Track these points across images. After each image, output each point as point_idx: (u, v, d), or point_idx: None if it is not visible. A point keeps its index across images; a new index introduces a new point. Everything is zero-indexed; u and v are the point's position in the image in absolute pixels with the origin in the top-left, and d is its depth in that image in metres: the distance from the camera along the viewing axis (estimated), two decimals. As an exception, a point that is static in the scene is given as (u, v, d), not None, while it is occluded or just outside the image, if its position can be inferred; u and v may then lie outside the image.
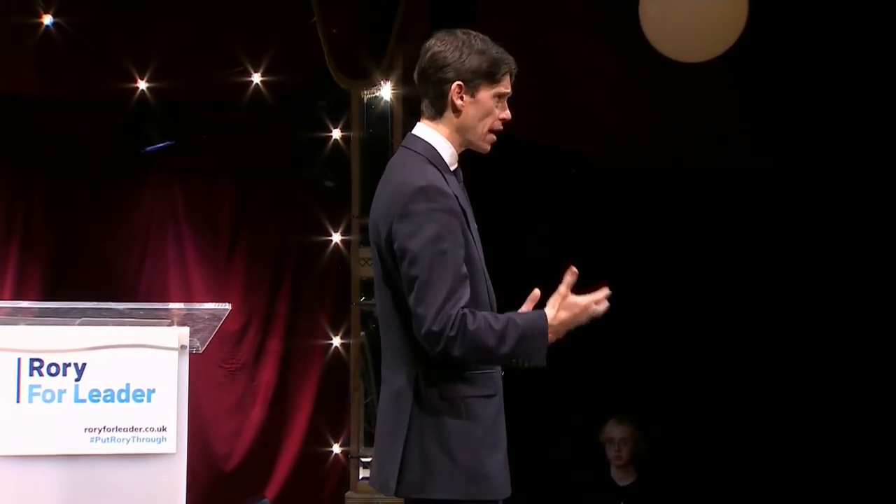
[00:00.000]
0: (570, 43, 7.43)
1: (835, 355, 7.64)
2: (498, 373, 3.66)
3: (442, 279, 3.50)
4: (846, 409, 7.62)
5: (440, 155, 3.70)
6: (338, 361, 7.94)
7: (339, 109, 7.66)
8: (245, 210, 8.14)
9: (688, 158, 7.74)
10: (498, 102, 3.70)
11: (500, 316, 3.55)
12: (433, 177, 3.61)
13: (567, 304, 3.60)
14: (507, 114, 3.72)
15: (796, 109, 7.53)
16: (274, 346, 8.07)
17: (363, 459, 7.31)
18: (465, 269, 3.54)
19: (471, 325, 3.48)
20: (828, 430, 7.62)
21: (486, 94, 3.68)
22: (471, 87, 3.67)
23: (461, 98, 3.68)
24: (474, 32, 3.74)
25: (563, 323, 3.60)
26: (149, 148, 7.82)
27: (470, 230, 3.64)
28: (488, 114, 3.69)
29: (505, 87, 3.70)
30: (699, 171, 7.78)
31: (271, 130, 7.94)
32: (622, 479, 7.15)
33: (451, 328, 3.46)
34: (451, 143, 3.72)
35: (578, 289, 3.68)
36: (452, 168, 3.72)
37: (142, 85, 7.56)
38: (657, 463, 7.24)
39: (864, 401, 7.61)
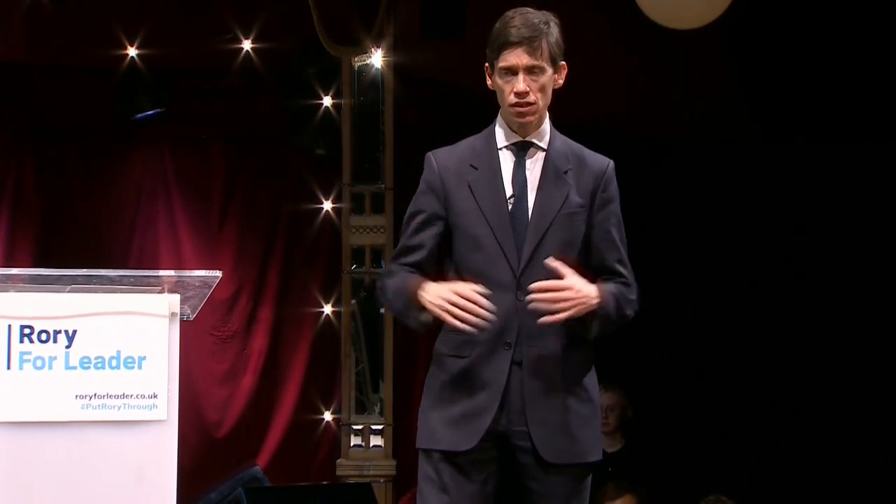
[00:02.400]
0: (561, 10, 7.41)
1: (824, 325, 7.67)
2: (486, 338, 3.70)
3: (400, 241, 3.87)
4: (838, 376, 7.66)
5: (494, 133, 3.85)
6: (329, 329, 7.96)
7: (330, 77, 7.65)
8: (236, 177, 8.14)
9: (678, 126, 7.75)
10: (505, 77, 3.77)
11: (411, 276, 3.76)
12: (442, 150, 3.86)
13: (448, 286, 3.68)
14: (517, 87, 3.75)
15: (787, 76, 7.53)
16: (265, 313, 8.08)
17: (354, 427, 7.34)
18: (418, 237, 3.79)
19: (385, 279, 3.87)
20: (816, 396, 7.66)
21: (497, 73, 3.79)
22: (491, 67, 3.81)
23: (490, 79, 3.83)
24: (522, 9, 3.81)
25: (429, 299, 3.68)
26: (139, 115, 7.81)
27: (477, 202, 3.76)
28: (501, 90, 3.79)
29: (504, 60, 3.75)
30: (689, 138, 7.79)
31: (262, 98, 7.93)
32: (610, 445, 7.18)
33: (379, 281, 3.83)
34: (505, 120, 3.85)
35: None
36: (505, 144, 3.83)
37: (132, 52, 7.54)
38: (645, 430, 7.28)
39: (857, 370, 7.65)
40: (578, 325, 3.73)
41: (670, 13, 6.63)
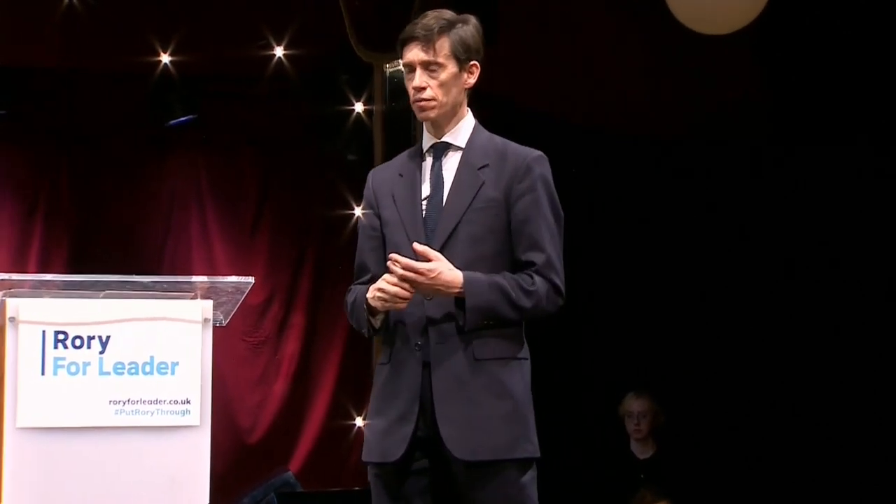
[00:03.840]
0: (592, 15, 7.42)
1: (857, 328, 7.63)
2: (400, 343, 3.76)
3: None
4: (870, 382, 7.61)
5: (422, 139, 3.89)
6: (360, 335, 7.94)
7: (362, 83, 7.66)
8: (268, 183, 8.16)
9: (707, 129, 7.73)
10: (408, 74, 3.81)
11: (364, 288, 3.83)
12: (381, 166, 4.03)
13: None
14: (413, 82, 3.78)
15: (817, 81, 7.51)
16: (297, 319, 8.10)
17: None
18: (363, 255, 3.87)
19: (346, 301, 3.92)
20: (851, 399, 7.62)
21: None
22: None
23: None
24: (439, 10, 3.82)
25: (369, 296, 3.75)
26: (172, 122, 7.85)
27: (398, 210, 3.79)
28: (406, 87, 3.84)
29: (404, 57, 3.80)
30: (717, 141, 7.77)
31: (294, 104, 7.96)
32: (642, 452, 7.17)
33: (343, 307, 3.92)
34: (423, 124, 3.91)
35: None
36: (426, 147, 3.85)
37: (165, 58, 7.58)
38: (677, 435, 7.25)
39: (888, 374, 7.60)
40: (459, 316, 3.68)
41: (703, 18, 6.62)
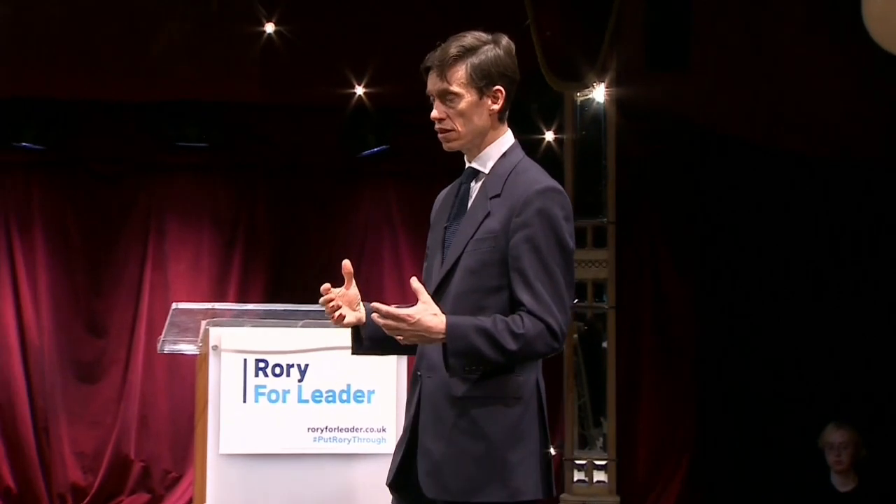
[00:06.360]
0: (787, 39, 7.30)
1: None
2: (415, 369, 3.62)
3: None
4: None
5: None
6: (548, 362, 7.92)
7: (552, 111, 7.66)
8: (458, 212, 8.21)
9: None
10: (433, 103, 3.64)
11: None
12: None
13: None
14: (432, 113, 3.62)
15: None
16: (487, 346, 8.10)
17: (577, 462, 7.31)
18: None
19: None
20: None
21: None
22: None
23: None
24: (466, 33, 3.65)
25: None
26: (365, 152, 7.97)
27: (444, 233, 3.67)
28: None
29: (427, 86, 3.64)
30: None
31: (484, 134, 7.99)
32: (843, 484, 6.98)
33: None
34: None
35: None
36: (467, 168, 3.69)
37: (359, 90, 7.70)
38: (880, 468, 7.05)
39: None
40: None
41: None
